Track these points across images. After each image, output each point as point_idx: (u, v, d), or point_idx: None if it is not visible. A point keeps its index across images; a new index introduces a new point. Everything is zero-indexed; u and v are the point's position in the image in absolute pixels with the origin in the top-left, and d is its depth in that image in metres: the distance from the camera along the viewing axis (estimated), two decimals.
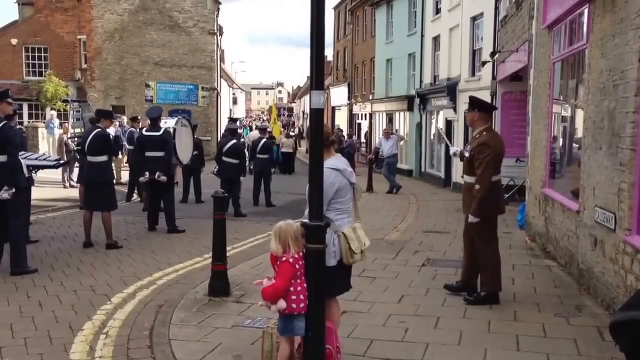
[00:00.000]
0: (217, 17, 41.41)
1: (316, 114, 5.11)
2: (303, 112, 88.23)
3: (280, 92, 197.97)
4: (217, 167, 16.46)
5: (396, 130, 32.73)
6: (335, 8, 53.62)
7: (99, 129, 11.42)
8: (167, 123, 14.61)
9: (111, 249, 11.20)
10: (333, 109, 53.76)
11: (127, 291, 8.53)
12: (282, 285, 5.08)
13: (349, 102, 47.50)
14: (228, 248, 11.45)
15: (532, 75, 13.63)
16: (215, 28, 41.21)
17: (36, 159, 11.40)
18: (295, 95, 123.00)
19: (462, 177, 8.56)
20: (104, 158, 11.31)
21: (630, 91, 6.88)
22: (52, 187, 20.53)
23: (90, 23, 39.81)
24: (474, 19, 23.42)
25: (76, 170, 18.68)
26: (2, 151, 9.04)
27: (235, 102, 71.87)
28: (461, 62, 24.37)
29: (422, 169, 30.85)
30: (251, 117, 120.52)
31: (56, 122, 29.81)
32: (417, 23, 31.86)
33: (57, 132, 27.55)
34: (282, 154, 32.82)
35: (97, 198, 11.25)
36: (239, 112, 78.22)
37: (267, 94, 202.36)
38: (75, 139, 16.23)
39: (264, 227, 14.46)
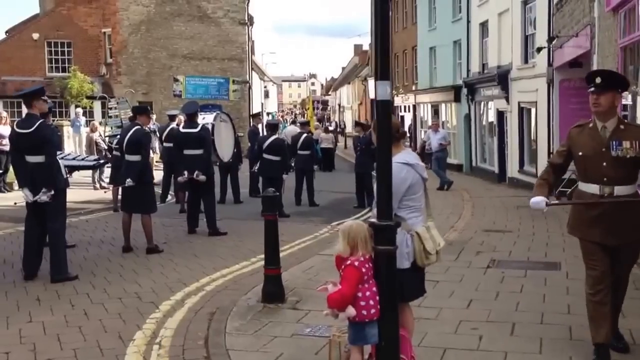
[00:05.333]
0: (247, 6, 41.49)
1: (382, 106, 5.07)
2: (339, 105, 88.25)
3: (313, 84, 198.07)
4: (257, 165, 16.45)
5: (442, 123, 32.50)
6: None
7: (138, 126, 11.47)
8: (205, 119, 14.59)
9: (152, 254, 11.22)
10: (372, 101, 53.59)
11: (175, 298, 8.53)
12: (349, 290, 4.99)
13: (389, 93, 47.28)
14: None
15: (595, 61, 13.43)
16: (246, 18, 41.27)
17: (74, 159, 11.49)
18: (330, 87, 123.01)
19: (603, 188, 5.99)
20: (140, 157, 11.35)
21: None
22: (82, 189, 20.67)
23: (115, 15, 40.08)
24: (525, 2, 23.11)
25: (107, 171, 18.83)
26: (40, 151, 9.09)
27: (267, 95, 71.99)
28: (512, 49, 24.05)
29: (473, 164, 30.59)
30: (282, 111, 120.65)
31: (82, 119, 30.07)
32: (462, 8, 31.59)
33: (84, 130, 27.81)
34: (322, 150, 32.79)
35: (137, 200, 11.28)
36: (271, 106, 78.43)
37: (299, 86, 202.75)
38: (107, 138, 16.32)
39: (310, 228, 14.44)
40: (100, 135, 21.92)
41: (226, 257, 11.16)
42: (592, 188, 5.99)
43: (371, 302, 5.01)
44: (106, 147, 20.56)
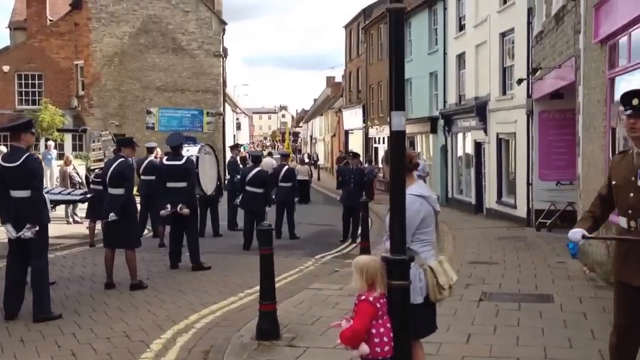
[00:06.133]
0: (222, 38, 41.56)
1: (397, 137, 5.01)
2: (311, 137, 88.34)
3: (284, 116, 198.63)
4: (240, 197, 16.30)
5: (418, 154, 32.57)
6: (347, 27, 53.79)
7: (122, 159, 11.27)
8: (189, 151, 14.43)
9: (136, 290, 10.97)
10: (346, 132, 53.74)
11: (165, 336, 8.31)
12: (362, 327, 4.84)
13: (364, 125, 47.41)
14: None
15: (581, 93, 13.51)
16: (221, 50, 41.31)
17: (59, 193, 11.23)
18: (300, 119, 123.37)
19: (629, 221, 5.46)
20: (124, 191, 11.13)
21: None
22: (56, 224, 20.27)
23: (88, 47, 39.84)
24: (503, 34, 23.34)
25: (81, 205, 18.50)
26: (26, 185, 8.83)
27: (239, 127, 71.97)
28: (490, 81, 24.24)
29: (449, 195, 30.66)
30: (253, 143, 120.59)
31: (54, 153, 29.70)
32: (438, 41, 31.87)
33: (55, 163, 27.45)
34: (298, 182, 32.58)
35: (120, 235, 11.04)
36: (243, 138, 78.34)
37: (269, 118, 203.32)
38: (93, 171, 16.05)
39: (294, 262, 14.29)
40: (75, 168, 21.61)
41: (213, 293, 10.95)
42: (622, 221, 5.48)
43: (385, 339, 4.87)
44: (80, 181, 20.26)
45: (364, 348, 4.83)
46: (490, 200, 24.87)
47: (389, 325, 4.91)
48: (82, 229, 18.17)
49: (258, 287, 11.12)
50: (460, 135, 29.53)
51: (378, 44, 43.67)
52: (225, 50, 43.24)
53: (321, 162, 66.47)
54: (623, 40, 10.45)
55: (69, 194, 11.83)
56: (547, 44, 17.70)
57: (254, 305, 9.84)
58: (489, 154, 24.99)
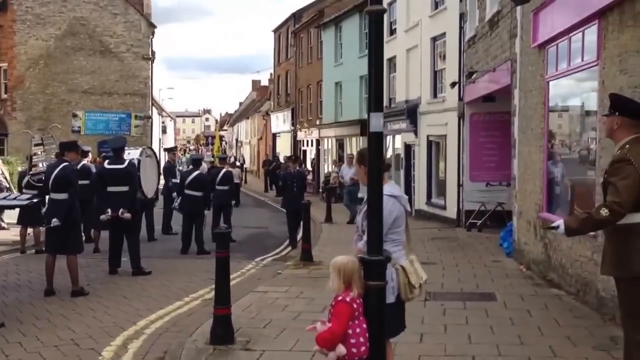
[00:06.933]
0: (151, 41, 41.08)
1: (376, 138, 4.99)
2: (237, 140, 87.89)
3: (207, 119, 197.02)
4: (178, 201, 16.06)
5: (345, 156, 32.77)
6: (276, 31, 53.65)
7: (66, 163, 10.95)
8: (130, 154, 14.13)
9: (78, 296, 10.64)
10: (274, 135, 53.63)
11: (115, 343, 8.08)
12: (339, 329, 4.81)
13: (292, 128, 47.39)
14: (206, 289, 11.35)
15: (517, 95, 13.76)
16: (150, 53, 40.79)
17: (4, 198, 10.84)
18: (224, 122, 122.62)
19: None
20: (67, 195, 10.82)
21: None
22: None
23: (12, 50, 38.95)
24: (434, 39, 23.66)
25: (10, 211, 17.87)
26: None
27: (164, 131, 71.01)
28: (421, 84, 24.52)
29: None
30: (176, 147, 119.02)
31: None
32: (368, 45, 31.99)
33: None
34: None
35: (63, 240, 10.71)
36: (169, 142, 77.25)
37: (193, 122, 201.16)
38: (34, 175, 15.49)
39: (235, 265, 13.94)
40: (3, 173, 20.92)
41: (157, 298, 10.73)
42: None
43: (361, 340, 4.85)
44: (7, 186, 19.61)
45: (341, 349, 4.79)
46: (419, 201, 25.12)
47: (364, 325, 4.89)
48: (8, 235, 17.59)
49: (202, 292, 11.23)
50: (389, 138, 29.74)
51: (308, 48, 43.71)
52: (154, 53, 42.74)
53: (247, 165, 66.18)
54: (563, 44, 10.68)
55: (15, 199, 11.40)
56: (480, 48, 17.99)
57: (201, 310, 9.82)
58: (419, 156, 25.25)
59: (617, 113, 5.70)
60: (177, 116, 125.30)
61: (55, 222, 10.55)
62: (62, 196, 10.75)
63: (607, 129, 5.93)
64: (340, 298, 4.86)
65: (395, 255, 5.30)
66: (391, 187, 5.41)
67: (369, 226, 4.91)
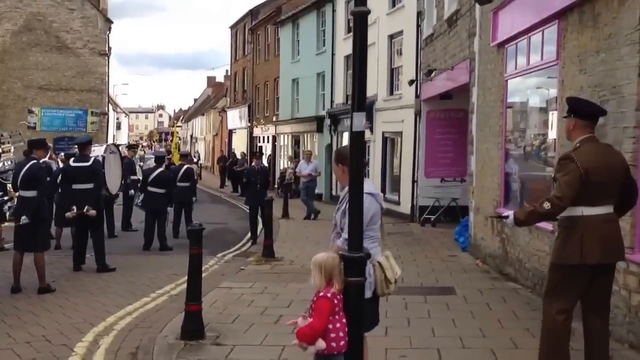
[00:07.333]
0: (108, 37, 40.67)
1: (358, 137, 5.11)
2: (191, 136, 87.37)
3: (161, 115, 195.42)
4: (141, 198, 16.00)
5: (302, 152, 32.86)
6: (233, 27, 53.44)
7: (34, 161, 10.87)
8: (95, 151, 14.02)
9: (45, 293, 10.56)
10: (230, 132, 53.47)
11: (87, 339, 8.07)
12: (320, 324, 4.90)
13: (249, 124, 47.31)
14: (171, 285, 11.40)
15: (475, 93, 13.98)
16: (107, 49, 40.39)
17: None
18: (178, 118, 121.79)
19: None
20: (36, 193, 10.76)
21: (627, 106, 7.17)
22: None
23: None
24: (391, 37, 23.88)
25: None
26: None
27: (119, 127, 70.30)
28: (378, 81, 24.69)
29: (334, 192, 30.97)
30: (128, 143, 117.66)
31: None
32: (326, 42, 32.24)
33: None
34: None
35: (30, 237, 10.60)
36: (123, 138, 76.53)
37: (146, 118, 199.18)
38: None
39: None
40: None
41: (124, 294, 10.70)
42: None
43: (341, 334, 4.95)
44: None
45: (321, 344, 4.88)
46: None
47: (344, 320, 4.99)
48: None
49: (167, 287, 11.26)
50: (346, 134, 29.90)
51: (265, 45, 43.67)
52: (110, 49, 42.32)
53: (202, 161, 65.86)
54: (522, 43, 10.92)
55: None
56: (438, 47, 18.21)
57: (168, 306, 9.86)
58: (374, 152, 25.43)
59: (572, 115, 6.15)
60: (130, 112, 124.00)
61: (24, 219, 10.47)
62: (31, 194, 10.68)
63: (565, 130, 6.44)
64: (321, 294, 4.96)
65: (372, 252, 5.40)
66: (368, 185, 5.52)
67: (350, 223, 5.01)
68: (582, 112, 6.12)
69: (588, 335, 6.04)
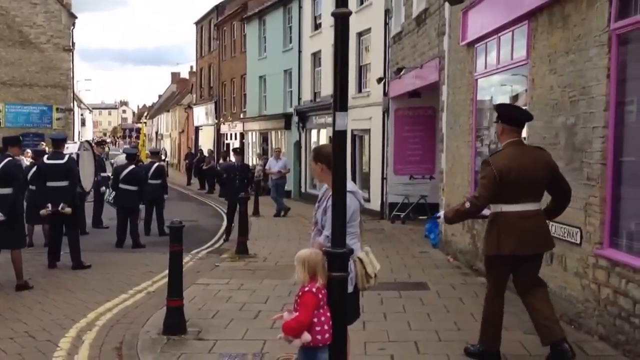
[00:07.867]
0: (72, 32, 40.26)
1: (340, 136, 5.23)
2: (157, 133, 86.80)
3: (124, 111, 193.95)
4: (112, 195, 16.00)
5: (270, 149, 32.97)
6: (198, 23, 53.32)
7: (10, 158, 10.86)
8: (69, 148, 14.01)
9: (23, 290, 10.57)
10: (196, 128, 53.32)
11: (70, 335, 8.15)
12: (306, 318, 5.06)
13: (216, 121, 47.23)
14: (148, 282, 11.47)
15: (445, 92, 14.20)
16: (71, 44, 40.01)
17: None
18: (142, 114, 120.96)
19: None
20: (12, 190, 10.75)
21: (597, 106, 7.40)
22: None
23: None
24: (360, 34, 24.05)
25: None
26: None
27: (83, 123, 69.66)
28: None
29: (302, 189, 31.18)
30: (93, 139, 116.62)
31: None
32: (293, 39, 32.36)
33: None
34: None
35: (7, 235, 10.59)
36: (88, 135, 75.84)
37: (109, 114, 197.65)
38: None
39: None
40: None
41: (102, 291, 10.74)
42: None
43: (325, 327, 5.11)
44: None
45: (306, 337, 5.04)
46: None
47: (328, 314, 5.15)
48: None
49: (144, 284, 11.33)
50: (314, 132, 30.11)
51: (231, 41, 43.63)
52: (74, 44, 41.92)
53: (168, 158, 65.54)
54: (492, 43, 11.15)
55: None
56: (407, 45, 18.42)
57: (147, 302, 9.95)
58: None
59: (500, 121, 6.79)
60: (94, 108, 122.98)
61: (0, 216, 10.47)
62: (7, 191, 10.65)
63: (497, 135, 7.22)
64: (306, 289, 5.11)
65: (353, 248, 5.58)
66: (348, 184, 5.71)
67: (334, 220, 5.17)
68: (508, 118, 6.73)
69: (530, 309, 6.80)
